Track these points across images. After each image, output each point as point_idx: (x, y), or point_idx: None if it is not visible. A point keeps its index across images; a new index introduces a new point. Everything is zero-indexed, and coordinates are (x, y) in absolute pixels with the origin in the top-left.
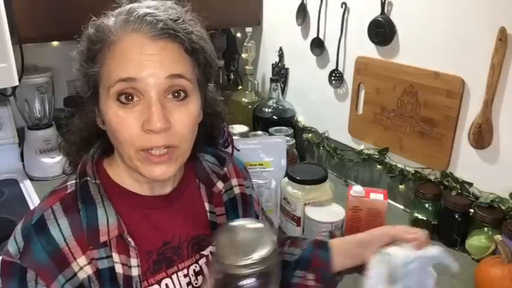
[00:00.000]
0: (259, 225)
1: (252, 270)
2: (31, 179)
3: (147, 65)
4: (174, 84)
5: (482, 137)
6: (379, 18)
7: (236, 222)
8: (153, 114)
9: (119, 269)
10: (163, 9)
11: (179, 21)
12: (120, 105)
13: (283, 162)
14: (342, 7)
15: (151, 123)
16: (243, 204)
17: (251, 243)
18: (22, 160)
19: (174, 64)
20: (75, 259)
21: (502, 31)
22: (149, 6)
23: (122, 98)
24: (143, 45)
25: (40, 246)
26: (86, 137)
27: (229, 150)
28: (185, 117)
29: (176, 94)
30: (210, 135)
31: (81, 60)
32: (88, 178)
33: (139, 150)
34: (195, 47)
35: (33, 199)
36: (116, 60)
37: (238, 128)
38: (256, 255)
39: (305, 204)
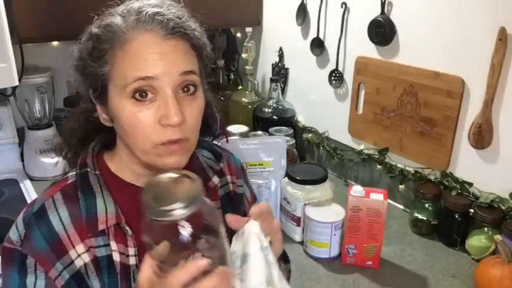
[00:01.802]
0: (184, 173)
1: (178, 213)
2: (31, 179)
3: (162, 63)
4: (186, 80)
5: (482, 137)
6: (379, 18)
7: (161, 175)
8: (171, 109)
9: (116, 257)
10: (165, 6)
11: (184, 18)
12: (135, 103)
13: (283, 162)
14: (342, 7)
15: (169, 118)
16: (235, 202)
17: (175, 191)
18: (22, 160)
19: (186, 61)
20: (73, 246)
21: (502, 31)
22: (151, 4)
23: (137, 95)
24: (156, 44)
25: (40, 234)
26: (82, 137)
27: (223, 142)
28: (195, 111)
29: (186, 89)
30: (207, 124)
31: (87, 59)
32: (88, 169)
33: (157, 145)
34: (200, 42)
35: (33, 199)
36: (130, 59)
37: (238, 128)
38: (182, 200)
39: (305, 204)
